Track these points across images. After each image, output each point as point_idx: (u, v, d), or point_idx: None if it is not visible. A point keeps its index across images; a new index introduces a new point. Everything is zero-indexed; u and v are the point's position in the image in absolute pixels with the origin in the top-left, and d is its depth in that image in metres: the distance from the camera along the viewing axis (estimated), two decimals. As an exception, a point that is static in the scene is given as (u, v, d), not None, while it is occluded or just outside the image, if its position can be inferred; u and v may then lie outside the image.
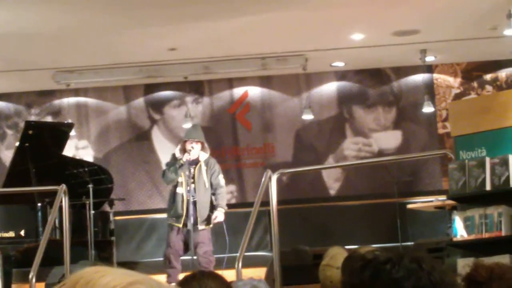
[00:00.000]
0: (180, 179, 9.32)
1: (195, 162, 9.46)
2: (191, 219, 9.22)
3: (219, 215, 9.38)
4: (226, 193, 12.58)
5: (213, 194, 9.43)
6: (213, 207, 9.40)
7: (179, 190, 9.34)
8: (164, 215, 12.28)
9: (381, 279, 1.67)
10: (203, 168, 9.37)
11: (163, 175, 9.53)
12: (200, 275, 3.04)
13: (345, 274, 3.41)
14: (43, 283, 9.23)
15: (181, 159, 9.27)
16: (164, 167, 12.50)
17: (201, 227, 9.35)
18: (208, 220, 9.40)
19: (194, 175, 9.30)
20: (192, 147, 9.34)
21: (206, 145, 9.62)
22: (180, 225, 9.30)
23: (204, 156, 9.44)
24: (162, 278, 10.28)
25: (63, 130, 10.65)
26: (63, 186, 7.47)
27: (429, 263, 1.67)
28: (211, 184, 9.41)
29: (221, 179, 9.55)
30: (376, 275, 1.68)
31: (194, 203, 9.29)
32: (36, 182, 9.76)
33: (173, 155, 9.50)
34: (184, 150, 9.40)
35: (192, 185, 9.35)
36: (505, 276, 3.03)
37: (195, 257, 9.29)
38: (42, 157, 9.93)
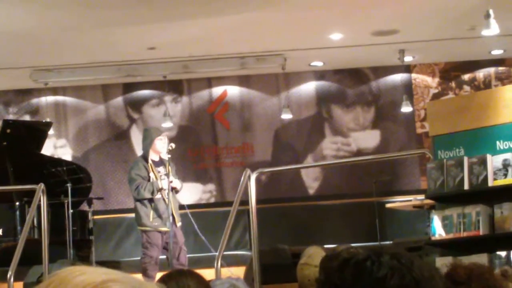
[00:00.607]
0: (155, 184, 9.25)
1: (161, 162, 9.38)
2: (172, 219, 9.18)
3: (177, 183, 9.33)
4: (205, 192, 12.61)
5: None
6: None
7: (159, 195, 9.26)
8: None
9: (363, 278, 1.64)
10: (171, 167, 9.32)
11: (135, 190, 9.26)
12: (178, 274, 3.03)
13: (322, 274, 3.42)
14: (21, 283, 9.18)
15: (159, 189, 9.19)
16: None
17: (179, 223, 9.36)
18: (179, 216, 9.41)
19: (168, 174, 9.22)
20: (162, 143, 9.31)
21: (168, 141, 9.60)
22: (167, 229, 9.17)
23: (165, 154, 9.33)
24: (141, 277, 10.26)
25: (41, 129, 10.61)
26: (42, 185, 7.44)
27: (408, 258, 1.65)
28: None
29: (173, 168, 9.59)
30: (358, 274, 1.65)
31: (169, 203, 9.23)
32: (14, 181, 9.71)
33: (143, 167, 9.32)
34: (155, 152, 9.34)
35: (166, 187, 9.25)
36: (484, 276, 3.05)
37: (174, 258, 9.25)
38: (20, 156, 9.88)
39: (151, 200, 9.27)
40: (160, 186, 9.21)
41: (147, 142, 9.41)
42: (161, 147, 9.35)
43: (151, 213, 9.25)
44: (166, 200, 9.19)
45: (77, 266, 1.28)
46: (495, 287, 2.95)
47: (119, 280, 1.22)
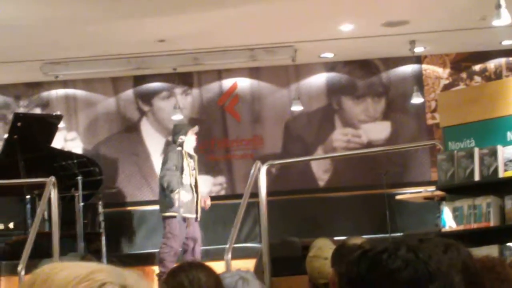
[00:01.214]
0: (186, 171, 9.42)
1: (191, 156, 9.59)
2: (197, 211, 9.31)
3: (208, 201, 9.55)
4: (215, 184, 12.62)
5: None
6: None
7: (186, 181, 9.38)
8: (154, 207, 12.30)
9: (378, 270, 1.65)
10: (196, 161, 9.51)
11: (165, 182, 9.38)
12: (188, 267, 3.04)
13: (337, 265, 3.41)
14: (32, 276, 9.20)
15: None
16: (153, 158, 12.51)
17: (200, 216, 9.47)
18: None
19: (194, 168, 9.43)
20: (196, 138, 9.58)
21: None
22: (193, 216, 9.32)
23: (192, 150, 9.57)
24: (151, 269, 10.29)
25: (51, 122, 10.63)
26: (52, 178, 7.46)
27: (426, 252, 1.65)
28: None
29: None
30: (373, 266, 1.66)
31: (197, 195, 9.39)
32: (25, 174, 9.74)
33: (180, 156, 9.45)
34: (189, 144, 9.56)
35: (193, 177, 9.46)
36: (495, 269, 3.04)
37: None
38: (30, 149, 9.91)
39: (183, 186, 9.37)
40: (189, 182, 9.36)
41: (183, 132, 9.65)
42: (193, 141, 9.54)
43: (177, 200, 9.28)
44: (193, 191, 9.29)
45: (56, 263, 1.28)
46: (507, 280, 2.93)
47: (104, 270, 1.23)
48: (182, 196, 9.28)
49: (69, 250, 9.24)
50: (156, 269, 9.91)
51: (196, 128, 9.86)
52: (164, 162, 9.59)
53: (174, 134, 9.81)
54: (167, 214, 9.43)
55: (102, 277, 1.22)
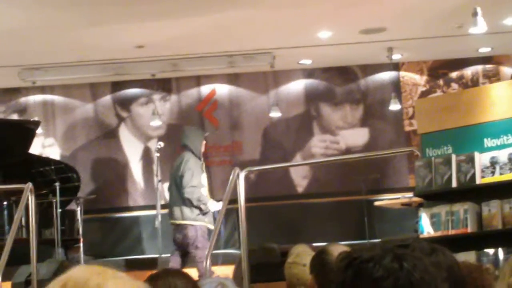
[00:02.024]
0: (203, 182, 9.22)
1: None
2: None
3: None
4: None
5: None
6: None
7: (204, 191, 9.18)
8: (132, 213, 12.27)
9: (362, 279, 1.68)
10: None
11: (196, 199, 9.12)
12: (165, 274, 3.03)
13: (315, 272, 3.42)
14: (10, 282, 9.15)
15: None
16: (131, 164, 12.48)
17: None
18: None
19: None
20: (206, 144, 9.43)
21: None
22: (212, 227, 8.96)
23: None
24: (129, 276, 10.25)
25: (29, 128, 10.58)
26: (29, 185, 7.41)
27: (412, 261, 1.68)
28: None
29: None
30: (358, 274, 1.69)
31: None
32: (2, 180, 9.68)
33: (201, 170, 9.24)
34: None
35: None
36: (472, 275, 3.05)
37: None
38: (8, 155, 9.85)
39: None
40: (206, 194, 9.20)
41: (199, 141, 9.30)
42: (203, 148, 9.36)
43: (210, 211, 9.16)
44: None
45: (95, 265, 1.24)
46: (482, 286, 2.96)
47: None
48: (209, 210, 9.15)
49: (47, 257, 9.20)
50: (135, 274, 9.86)
51: (206, 134, 9.70)
52: (189, 177, 9.13)
53: (191, 141, 9.34)
54: (208, 226, 9.12)
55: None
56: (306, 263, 4.09)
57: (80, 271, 1.23)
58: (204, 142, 9.34)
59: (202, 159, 9.23)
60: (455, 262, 2.67)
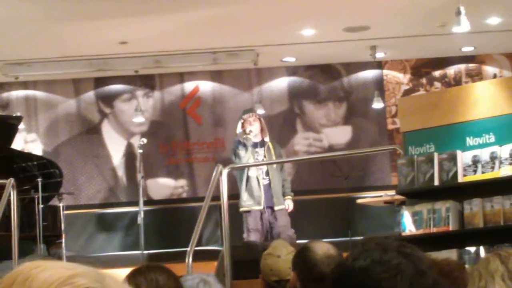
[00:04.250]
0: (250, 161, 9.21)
1: (262, 143, 9.35)
2: (269, 202, 9.12)
3: (290, 205, 9.37)
4: (177, 187, 12.58)
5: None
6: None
7: (252, 173, 9.20)
8: (114, 209, 12.25)
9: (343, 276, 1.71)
10: (271, 149, 9.31)
11: (235, 156, 9.28)
12: (147, 269, 3.03)
13: (298, 269, 3.43)
14: (-9, 278, 9.10)
15: (247, 135, 9.13)
16: (114, 160, 12.46)
17: (278, 207, 9.23)
18: (282, 200, 9.30)
19: (265, 156, 9.23)
20: (251, 124, 9.23)
21: (263, 123, 9.50)
22: (261, 207, 9.13)
23: (267, 136, 9.36)
24: (111, 272, 10.24)
25: (11, 123, 10.52)
26: (11, 180, 7.38)
27: (393, 269, 1.69)
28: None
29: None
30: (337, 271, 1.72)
31: (269, 185, 9.21)
32: (-16, 176, 9.62)
33: (242, 146, 9.25)
34: (245, 133, 9.29)
35: (264, 167, 9.26)
36: (453, 274, 3.07)
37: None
38: (-10, 150, 9.80)
39: (247, 181, 9.22)
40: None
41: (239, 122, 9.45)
42: (247, 128, 9.27)
43: (246, 193, 9.20)
44: (260, 181, 9.14)
45: (37, 261, 1.26)
46: (464, 285, 2.97)
47: (84, 274, 1.22)
48: (248, 190, 9.24)
49: (28, 252, 9.16)
50: (118, 271, 9.84)
51: (246, 114, 9.51)
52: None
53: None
54: (240, 210, 9.27)
55: (84, 281, 1.20)
56: (280, 255, 4.12)
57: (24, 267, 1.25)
58: (240, 122, 9.38)
59: (242, 141, 9.25)
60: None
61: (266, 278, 4.09)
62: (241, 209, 9.26)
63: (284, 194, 9.36)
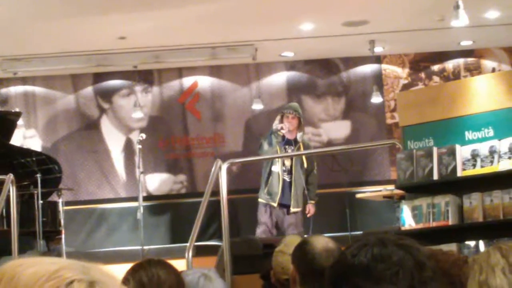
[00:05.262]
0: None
1: (294, 141, 9.37)
2: (286, 200, 9.16)
3: (311, 210, 9.39)
4: (176, 182, 12.57)
5: (306, 179, 9.34)
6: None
7: (275, 168, 9.25)
8: (114, 205, 12.26)
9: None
10: (302, 146, 9.33)
11: (260, 148, 9.39)
12: (147, 264, 3.03)
13: (297, 263, 3.43)
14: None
15: (278, 130, 9.17)
16: (113, 156, 12.47)
17: (294, 209, 9.27)
18: (300, 203, 9.33)
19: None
20: (288, 121, 9.24)
21: (302, 123, 9.51)
22: (275, 204, 9.17)
23: (301, 136, 9.36)
24: (111, 268, 10.24)
25: (10, 119, 10.51)
26: (11, 176, 7.38)
27: (387, 271, 1.70)
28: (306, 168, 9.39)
29: (315, 165, 9.54)
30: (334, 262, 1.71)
31: (290, 183, 9.23)
32: (-17, 171, 9.61)
33: (272, 139, 9.32)
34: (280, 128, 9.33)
35: (288, 165, 9.28)
36: (450, 272, 3.05)
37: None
38: (-12, 146, 9.79)
39: (269, 175, 9.31)
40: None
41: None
42: (284, 123, 9.28)
43: (266, 188, 9.28)
44: (280, 179, 9.16)
45: (22, 258, 1.27)
46: (460, 282, 2.96)
47: (69, 267, 1.22)
48: (269, 185, 9.34)
49: (28, 248, 9.17)
50: (118, 267, 9.85)
51: (286, 110, 9.54)
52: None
53: None
54: (258, 200, 9.43)
55: (70, 274, 1.21)
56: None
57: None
58: (278, 117, 9.44)
59: (275, 136, 9.31)
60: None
61: (278, 276, 4.06)
62: (259, 199, 9.34)
63: (309, 198, 9.41)
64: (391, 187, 9.42)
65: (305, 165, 9.37)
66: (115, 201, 12.35)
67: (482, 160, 6.06)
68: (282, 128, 9.21)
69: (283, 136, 9.29)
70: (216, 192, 7.12)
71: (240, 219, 11.45)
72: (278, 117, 9.43)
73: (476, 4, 9.80)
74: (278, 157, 9.56)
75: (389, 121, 12.61)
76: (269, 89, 12.68)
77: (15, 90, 12.65)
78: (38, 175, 9.68)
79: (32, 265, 1.22)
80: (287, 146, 9.32)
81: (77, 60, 11.76)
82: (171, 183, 12.48)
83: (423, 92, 8.44)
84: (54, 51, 11.45)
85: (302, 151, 9.36)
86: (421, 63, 12.77)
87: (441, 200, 6.08)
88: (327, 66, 12.75)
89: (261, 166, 11.86)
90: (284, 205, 9.25)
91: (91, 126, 12.65)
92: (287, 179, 9.25)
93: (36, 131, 12.62)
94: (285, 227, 9.26)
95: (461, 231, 6.09)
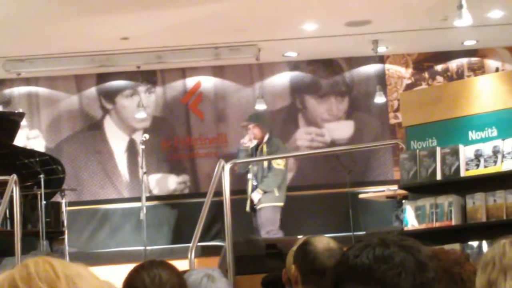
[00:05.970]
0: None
1: (257, 147, 9.62)
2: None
3: (255, 197, 9.60)
4: (179, 183, 12.55)
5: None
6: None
7: (249, 176, 9.54)
8: (117, 205, 12.26)
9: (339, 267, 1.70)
10: (265, 149, 9.49)
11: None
12: (149, 265, 3.03)
13: (298, 262, 3.43)
14: (-6, 274, 9.11)
15: (243, 146, 9.43)
16: (116, 156, 12.48)
17: (259, 207, 9.50)
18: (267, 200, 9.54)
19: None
20: (250, 132, 9.57)
21: (263, 127, 9.75)
22: (248, 209, 9.62)
23: (267, 138, 9.61)
24: (114, 268, 10.25)
25: (13, 120, 10.52)
26: (14, 176, 7.39)
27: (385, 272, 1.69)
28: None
29: (278, 160, 9.71)
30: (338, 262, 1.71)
31: (256, 187, 9.52)
32: (-14, 172, 9.62)
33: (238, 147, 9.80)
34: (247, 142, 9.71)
35: (255, 170, 9.54)
36: (451, 270, 3.04)
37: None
38: (-8, 147, 9.80)
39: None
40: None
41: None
42: (245, 137, 9.76)
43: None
44: (250, 184, 9.46)
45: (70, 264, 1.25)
46: (463, 281, 2.95)
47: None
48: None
49: (31, 249, 9.17)
50: (121, 267, 9.85)
51: (243, 123, 10.15)
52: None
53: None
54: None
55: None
56: None
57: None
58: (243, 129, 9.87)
59: (242, 152, 9.75)
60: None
61: (288, 273, 4.06)
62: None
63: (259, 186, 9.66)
64: (394, 187, 9.41)
65: (265, 165, 9.62)
66: (118, 202, 12.35)
67: (485, 160, 6.05)
68: (244, 143, 9.57)
69: (253, 148, 9.57)
70: (219, 192, 7.12)
71: (243, 220, 11.43)
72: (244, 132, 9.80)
73: (479, 4, 9.78)
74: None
75: (392, 121, 12.60)
76: (272, 89, 12.67)
77: (18, 90, 12.66)
78: (42, 176, 9.69)
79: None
80: (255, 151, 9.66)
81: (81, 60, 11.76)
82: (174, 184, 12.48)
83: (427, 92, 8.43)
84: (58, 51, 11.45)
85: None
86: (424, 63, 12.75)
87: (444, 200, 6.07)
88: (330, 66, 12.74)
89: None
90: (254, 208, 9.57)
91: (95, 127, 12.65)
92: (254, 183, 9.50)
93: (39, 132, 12.63)
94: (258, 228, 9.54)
95: (464, 231, 6.08)
